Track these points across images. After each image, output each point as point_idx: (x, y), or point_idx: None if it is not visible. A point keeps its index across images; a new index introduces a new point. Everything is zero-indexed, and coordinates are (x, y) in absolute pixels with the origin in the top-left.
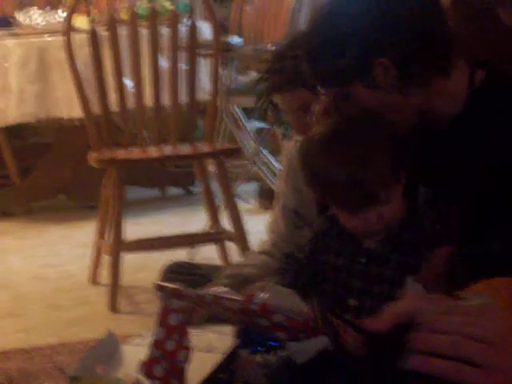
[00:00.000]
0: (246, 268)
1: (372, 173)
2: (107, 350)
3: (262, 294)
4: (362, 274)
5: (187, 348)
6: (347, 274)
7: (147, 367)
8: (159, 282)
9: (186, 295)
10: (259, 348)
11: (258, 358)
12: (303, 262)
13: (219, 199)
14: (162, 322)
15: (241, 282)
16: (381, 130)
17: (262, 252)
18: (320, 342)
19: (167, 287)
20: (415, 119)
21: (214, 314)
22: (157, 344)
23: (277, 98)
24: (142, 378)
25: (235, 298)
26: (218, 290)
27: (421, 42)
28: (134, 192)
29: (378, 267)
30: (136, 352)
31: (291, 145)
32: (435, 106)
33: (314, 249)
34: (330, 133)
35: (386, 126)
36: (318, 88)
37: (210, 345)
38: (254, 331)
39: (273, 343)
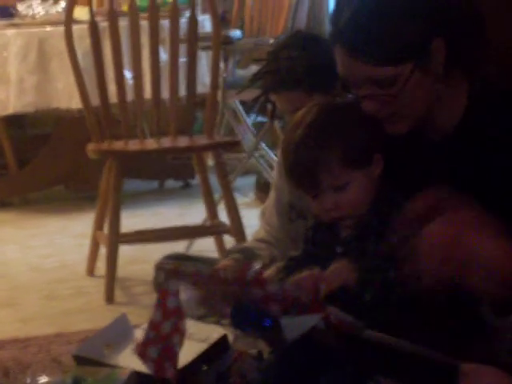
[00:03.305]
0: (257, 250)
1: (318, 161)
2: (118, 331)
3: (257, 265)
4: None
5: (182, 332)
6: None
7: (141, 349)
8: (158, 262)
9: (184, 272)
10: (252, 328)
11: (253, 350)
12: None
13: (218, 192)
14: (160, 304)
15: (251, 257)
16: (346, 124)
17: (260, 240)
18: (312, 320)
19: (166, 266)
20: (417, 125)
21: (210, 294)
22: (152, 326)
23: (273, 97)
24: (138, 368)
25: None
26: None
27: (474, 27)
28: (133, 184)
29: (353, 255)
30: None
31: None
32: (439, 114)
33: (305, 243)
34: (299, 120)
35: (354, 121)
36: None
37: (209, 337)
38: (247, 309)
39: (266, 323)
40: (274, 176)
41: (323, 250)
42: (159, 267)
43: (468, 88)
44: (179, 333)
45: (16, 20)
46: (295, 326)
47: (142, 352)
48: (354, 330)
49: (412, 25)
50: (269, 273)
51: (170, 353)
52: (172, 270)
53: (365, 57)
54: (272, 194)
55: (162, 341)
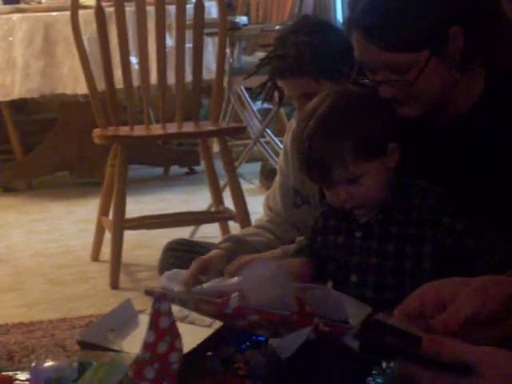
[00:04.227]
0: (249, 237)
1: (332, 152)
2: (122, 317)
3: (236, 295)
4: (360, 248)
5: (179, 350)
6: (347, 250)
7: (136, 370)
8: (147, 288)
9: (172, 299)
10: (247, 344)
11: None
12: (306, 245)
13: (223, 178)
14: (153, 325)
15: (243, 247)
16: (360, 115)
17: (259, 226)
18: (301, 335)
19: (155, 291)
20: (430, 109)
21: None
22: (147, 347)
23: (280, 83)
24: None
25: (213, 301)
26: (209, 285)
27: (492, 15)
28: (138, 170)
29: (374, 239)
30: None
31: (295, 125)
32: (454, 99)
33: (316, 231)
34: (311, 110)
35: (368, 111)
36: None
37: (213, 322)
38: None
39: (259, 338)
40: (279, 161)
41: (338, 235)
42: (148, 292)
43: (485, 75)
44: (176, 351)
45: (22, 5)
46: (286, 345)
47: (136, 374)
48: (346, 331)
49: (429, 12)
50: (276, 253)
51: (168, 372)
52: (160, 296)
53: (381, 42)
54: (277, 178)
55: (158, 360)
